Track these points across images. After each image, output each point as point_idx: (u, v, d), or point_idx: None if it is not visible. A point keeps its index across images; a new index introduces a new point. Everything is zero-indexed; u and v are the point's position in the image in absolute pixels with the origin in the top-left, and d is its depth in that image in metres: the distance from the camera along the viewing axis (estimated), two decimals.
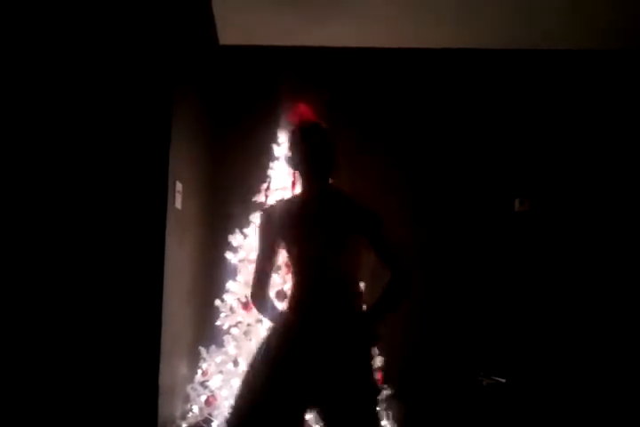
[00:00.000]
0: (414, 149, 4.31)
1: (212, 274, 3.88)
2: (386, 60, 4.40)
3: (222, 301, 3.54)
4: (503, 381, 3.66)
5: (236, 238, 3.60)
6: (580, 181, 4.27)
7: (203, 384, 3.44)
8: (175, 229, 3.10)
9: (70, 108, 2.91)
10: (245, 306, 3.44)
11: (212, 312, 3.59)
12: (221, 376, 3.38)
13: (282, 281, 3.22)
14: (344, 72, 4.35)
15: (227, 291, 3.54)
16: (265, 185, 3.66)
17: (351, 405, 2.02)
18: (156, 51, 2.96)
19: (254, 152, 4.01)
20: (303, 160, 2.16)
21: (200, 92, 3.87)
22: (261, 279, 2.23)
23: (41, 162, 2.87)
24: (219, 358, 3.43)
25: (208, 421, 3.29)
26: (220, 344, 3.50)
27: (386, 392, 3.46)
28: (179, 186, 3.16)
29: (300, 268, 2.17)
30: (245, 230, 3.60)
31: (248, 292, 3.40)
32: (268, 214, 2.22)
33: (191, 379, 3.50)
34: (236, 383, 3.29)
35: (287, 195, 3.39)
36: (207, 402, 3.33)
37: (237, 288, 3.51)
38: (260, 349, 2.13)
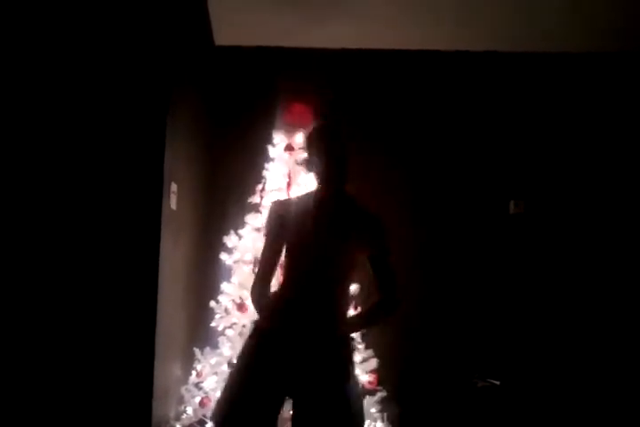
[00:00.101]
0: (410, 150, 4.31)
1: (206, 275, 3.87)
2: (384, 61, 4.39)
3: (217, 302, 3.54)
4: (498, 383, 3.67)
5: (230, 240, 3.60)
6: (575, 184, 4.27)
7: (197, 386, 3.43)
8: (170, 229, 3.10)
9: (66, 109, 2.90)
10: (240, 307, 3.44)
11: (206, 313, 3.59)
12: (216, 378, 3.37)
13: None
14: (341, 73, 4.34)
15: (221, 292, 3.54)
16: (260, 186, 3.67)
17: (323, 396, 2.05)
18: (152, 51, 2.95)
19: (250, 153, 4.02)
20: (322, 160, 2.15)
21: (196, 93, 3.87)
22: (265, 274, 2.24)
23: (36, 162, 2.87)
24: (213, 360, 3.42)
25: (202, 422, 3.29)
26: (215, 346, 3.49)
27: (381, 394, 3.46)
28: (174, 187, 3.15)
29: (293, 268, 2.18)
30: (240, 232, 3.60)
31: (243, 293, 3.45)
32: (279, 208, 2.22)
33: (185, 380, 3.50)
34: None
35: (282, 196, 3.42)
36: (201, 403, 3.32)
37: (232, 289, 3.51)
38: (243, 346, 2.19)
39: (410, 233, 4.04)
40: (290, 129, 3.69)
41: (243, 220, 3.59)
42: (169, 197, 3.08)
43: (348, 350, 2.21)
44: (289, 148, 3.65)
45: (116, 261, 2.83)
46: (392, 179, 4.24)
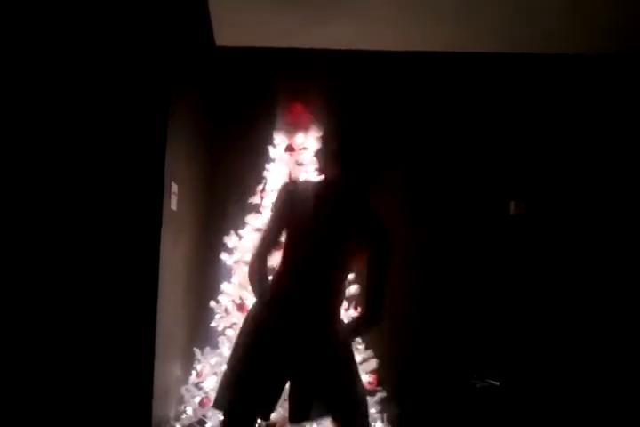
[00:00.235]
0: (411, 151, 4.31)
1: (206, 275, 3.88)
2: (384, 62, 4.40)
3: (217, 302, 3.54)
4: (497, 383, 3.67)
5: (231, 240, 3.60)
6: (575, 184, 4.28)
7: (197, 386, 3.43)
8: (170, 230, 3.10)
9: (66, 109, 2.90)
10: (240, 307, 3.44)
11: (206, 313, 3.59)
12: (216, 378, 3.36)
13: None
14: (341, 74, 4.35)
15: (221, 292, 3.54)
16: (260, 186, 3.67)
17: (325, 375, 2.12)
18: (153, 52, 2.95)
19: (250, 153, 4.02)
20: (337, 156, 2.21)
21: (196, 94, 3.87)
22: (267, 247, 2.27)
23: (36, 162, 2.86)
24: (213, 360, 3.43)
25: (202, 422, 3.29)
26: (215, 346, 3.49)
27: (380, 394, 3.46)
28: (174, 187, 3.15)
29: (293, 253, 2.21)
30: (241, 232, 3.60)
31: (243, 293, 3.46)
32: (290, 191, 2.25)
33: (185, 380, 3.50)
34: None
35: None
36: (201, 403, 3.32)
37: (232, 290, 3.51)
38: (242, 330, 2.23)
39: (410, 233, 4.05)
40: (290, 130, 3.69)
41: (243, 220, 3.59)
42: (169, 197, 3.08)
43: (347, 338, 2.26)
44: (289, 148, 3.65)
45: (117, 262, 2.83)
46: (392, 179, 4.23)
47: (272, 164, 3.70)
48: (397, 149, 4.27)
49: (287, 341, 2.12)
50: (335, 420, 2.17)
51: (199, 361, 3.48)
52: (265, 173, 3.70)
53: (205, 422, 3.27)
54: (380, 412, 3.47)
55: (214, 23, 4.13)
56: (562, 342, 4.04)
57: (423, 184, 4.30)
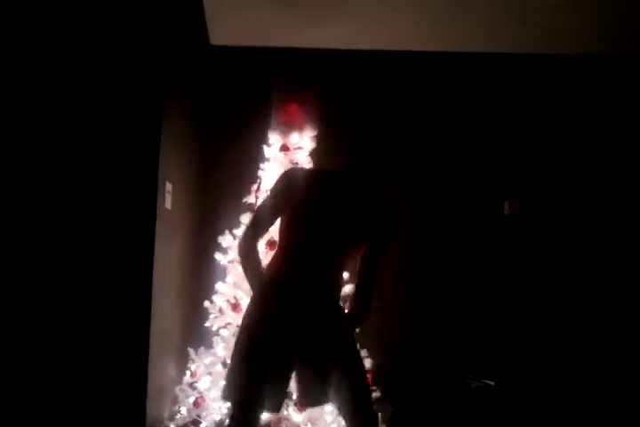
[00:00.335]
0: (406, 151, 4.30)
1: (201, 275, 3.87)
2: (379, 62, 4.40)
3: (211, 302, 3.54)
4: (492, 383, 3.67)
5: (225, 239, 3.59)
6: (569, 184, 4.29)
7: (191, 386, 3.42)
8: (165, 229, 3.09)
9: (60, 109, 2.89)
10: (235, 307, 3.43)
11: (201, 314, 3.58)
12: (210, 378, 3.36)
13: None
14: (336, 74, 4.35)
15: (216, 292, 3.53)
16: (255, 186, 3.66)
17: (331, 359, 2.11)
18: (147, 50, 2.95)
19: (245, 153, 4.02)
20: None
21: (191, 93, 3.86)
22: (260, 231, 2.24)
23: (29, 162, 2.85)
24: (207, 360, 3.42)
25: (196, 422, 3.28)
26: (209, 346, 3.49)
27: (375, 394, 3.46)
28: (169, 186, 3.15)
29: (295, 242, 2.18)
30: (235, 231, 3.59)
31: (237, 293, 3.45)
32: (292, 178, 2.20)
33: (180, 380, 3.49)
34: None
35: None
36: (196, 403, 3.31)
37: (227, 289, 3.50)
38: (245, 323, 2.20)
39: (404, 234, 4.04)
40: (285, 129, 3.69)
41: (238, 220, 3.59)
42: (164, 196, 3.07)
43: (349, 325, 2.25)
44: (284, 148, 3.65)
45: (111, 261, 2.82)
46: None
47: (267, 163, 3.70)
48: (397, 148, 4.30)
49: (293, 329, 2.10)
50: (340, 406, 2.16)
51: (193, 361, 3.48)
52: (260, 173, 3.69)
53: (200, 423, 3.27)
54: (374, 412, 3.46)
55: (209, 22, 4.13)
56: (557, 342, 4.05)
57: (417, 184, 4.30)
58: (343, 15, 3.96)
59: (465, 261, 4.22)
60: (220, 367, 3.36)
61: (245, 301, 3.43)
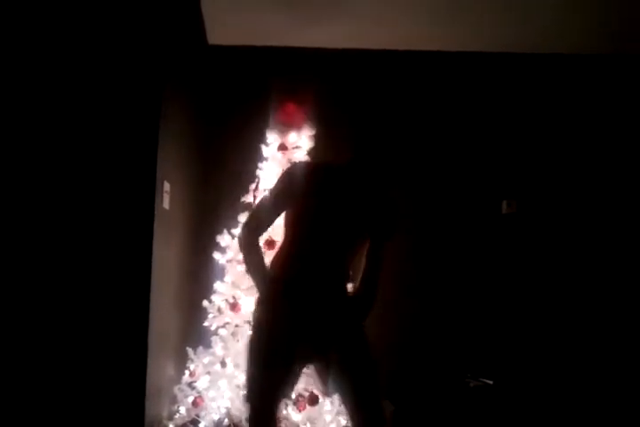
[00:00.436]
0: (404, 150, 4.30)
1: (199, 275, 3.87)
2: (377, 61, 4.40)
3: (210, 302, 3.54)
4: (490, 382, 3.67)
5: (224, 239, 3.59)
6: (567, 183, 4.29)
7: (190, 385, 3.43)
8: (163, 229, 3.09)
9: (58, 108, 2.89)
10: (233, 307, 3.43)
11: (199, 313, 3.58)
12: (209, 377, 3.37)
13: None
14: (334, 73, 4.35)
15: (214, 292, 3.54)
16: (253, 185, 3.66)
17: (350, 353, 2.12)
18: (145, 50, 2.94)
19: (243, 152, 4.01)
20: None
21: (189, 93, 3.86)
22: (262, 226, 2.22)
23: (27, 161, 2.85)
24: (206, 359, 3.42)
25: (195, 422, 3.28)
26: (208, 345, 3.49)
27: None
28: (167, 186, 3.14)
29: (302, 236, 2.17)
30: (233, 231, 3.59)
31: (236, 292, 3.45)
32: (296, 173, 2.19)
33: (178, 380, 3.49)
34: (224, 384, 3.31)
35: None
36: (194, 403, 3.32)
37: (225, 289, 3.50)
38: (255, 322, 2.18)
39: (402, 233, 4.03)
40: (283, 129, 3.69)
41: (236, 219, 3.58)
42: (162, 196, 3.07)
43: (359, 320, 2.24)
44: (282, 147, 3.65)
45: (109, 261, 2.82)
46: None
47: (265, 162, 3.70)
48: (397, 145, 4.30)
49: (304, 324, 2.09)
50: (350, 400, 2.15)
51: (192, 361, 3.48)
52: (258, 172, 3.69)
53: (199, 422, 3.27)
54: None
55: (207, 21, 4.13)
56: (555, 341, 4.05)
57: (415, 183, 4.29)
58: (343, 15, 3.96)
59: (463, 261, 4.22)
60: (218, 367, 3.37)
61: (244, 300, 3.43)
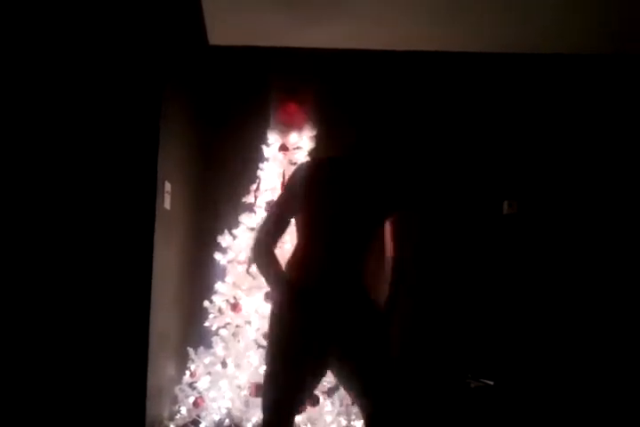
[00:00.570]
0: (405, 150, 4.31)
1: (200, 275, 3.87)
2: (377, 62, 4.40)
3: (211, 302, 3.54)
4: (491, 383, 3.67)
5: (225, 239, 3.59)
6: (568, 184, 4.29)
7: (191, 385, 3.42)
8: (164, 229, 3.09)
9: (58, 109, 2.89)
10: (234, 307, 3.43)
11: (200, 313, 3.58)
12: (209, 378, 3.36)
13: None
14: (335, 73, 4.35)
15: (215, 292, 3.53)
16: (254, 186, 3.66)
17: (368, 355, 2.10)
18: (146, 50, 2.94)
19: (244, 153, 4.01)
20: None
21: (190, 93, 3.86)
22: (277, 230, 2.18)
23: (27, 161, 2.85)
24: (207, 360, 3.42)
25: (196, 422, 3.28)
26: (209, 345, 3.49)
27: None
28: (167, 186, 3.14)
29: (316, 237, 2.17)
30: (234, 231, 3.59)
31: (236, 293, 3.45)
32: (305, 173, 2.20)
33: (179, 380, 3.49)
34: (225, 385, 3.30)
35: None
36: (195, 403, 3.31)
37: (226, 289, 3.50)
38: (272, 327, 2.15)
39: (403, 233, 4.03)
40: (284, 129, 3.69)
41: (237, 219, 3.59)
42: (163, 196, 3.07)
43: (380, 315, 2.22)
44: (283, 147, 3.65)
45: (110, 261, 2.82)
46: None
47: (266, 163, 3.70)
48: (392, 147, 4.31)
49: (326, 325, 2.07)
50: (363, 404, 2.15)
51: (193, 361, 3.48)
52: (259, 173, 3.69)
53: (199, 422, 3.26)
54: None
55: (207, 22, 4.13)
56: (556, 342, 4.05)
57: (415, 183, 4.29)
58: (343, 15, 3.96)
59: (464, 261, 4.22)
60: (219, 367, 3.37)
61: (245, 300, 3.43)
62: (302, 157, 3.66)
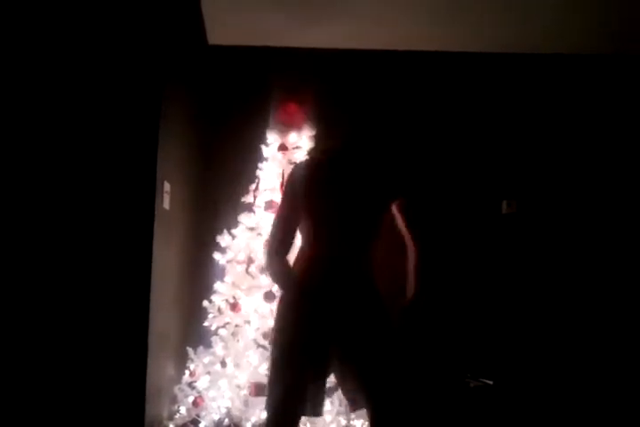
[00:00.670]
0: (404, 150, 4.31)
1: (199, 275, 3.87)
2: (377, 61, 4.40)
3: (210, 301, 3.54)
4: (490, 383, 3.67)
5: (224, 239, 3.59)
6: (567, 183, 4.29)
7: (190, 385, 3.43)
8: (163, 229, 3.09)
9: (57, 108, 2.89)
10: (233, 307, 3.43)
11: (199, 313, 3.58)
12: (209, 377, 3.37)
13: None
14: (334, 73, 4.34)
15: (214, 292, 3.53)
16: (254, 186, 3.66)
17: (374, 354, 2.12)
18: (145, 50, 2.94)
19: (243, 153, 4.02)
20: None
21: (189, 93, 3.86)
22: (286, 238, 2.20)
23: (25, 161, 2.85)
24: (206, 359, 3.42)
25: (195, 422, 3.28)
26: (208, 345, 3.49)
27: None
28: (167, 186, 3.14)
29: (320, 237, 2.17)
30: (234, 231, 3.60)
31: (236, 292, 3.45)
32: (298, 175, 2.21)
33: (179, 380, 3.49)
34: (224, 384, 3.31)
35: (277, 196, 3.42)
36: (194, 403, 3.31)
37: (225, 289, 3.50)
38: (280, 322, 2.15)
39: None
40: (283, 129, 3.69)
41: (236, 219, 3.59)
42: (162, 196, 3.07)
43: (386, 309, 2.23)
44: (282, 147, 3.65)
45: (109, 261, 2.82)
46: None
47: (265, 163, 3.69)
48: (391, 147, 4.31)
49: (332, 323, 2.07)
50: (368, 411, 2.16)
51: (192, 361, 3.48)
52: (258, 172, 3.69)
53: (199, 422, 3.27)
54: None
55: (207, 21, 4.13)
56: (555, 341, 4.05)
57: (415, 183, 4.28)
58: (343, 15, 3.96)
59: (463, 261, 4.22)
60: (218, 367, 3.37)
61: (244, 300, 3.43)
62: (301, 156, 3.66)
